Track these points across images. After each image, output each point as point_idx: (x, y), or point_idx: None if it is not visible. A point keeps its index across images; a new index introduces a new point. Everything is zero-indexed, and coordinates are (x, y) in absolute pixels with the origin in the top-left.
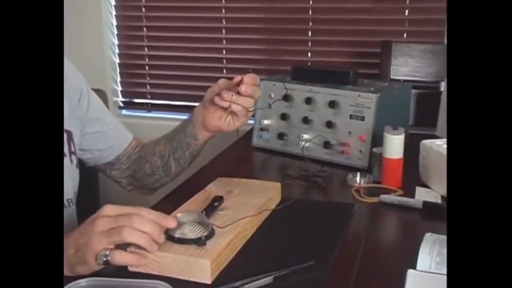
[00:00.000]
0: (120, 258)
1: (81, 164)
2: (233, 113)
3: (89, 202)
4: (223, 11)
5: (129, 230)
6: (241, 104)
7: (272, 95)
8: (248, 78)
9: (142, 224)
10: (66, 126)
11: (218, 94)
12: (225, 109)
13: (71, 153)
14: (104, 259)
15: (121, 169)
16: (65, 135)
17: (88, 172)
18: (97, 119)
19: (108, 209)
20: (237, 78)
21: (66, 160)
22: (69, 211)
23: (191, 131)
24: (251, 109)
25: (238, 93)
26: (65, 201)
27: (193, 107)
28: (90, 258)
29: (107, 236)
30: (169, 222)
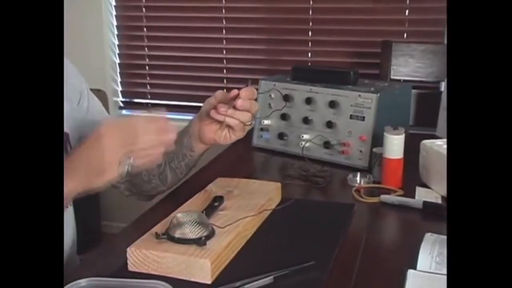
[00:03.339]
0: (140, 159)
1: None
2: (229, 126)
3: (89, 204)
4: (223, 11)
5: (144, 139)
6: (238, 118)
7: (272, 95)
8: (245, 92)
9: (149, 127)
10: (64, 127)
11: (215, 107)
12: (221, 122)
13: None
14: (129, 162)
15: None
16: None
17: None
18: (95, 122)
19: (109, 125)
20: (234, 92)
21: None
22: (67, 212)
23: (187, 142)
24: (248, 123)
25: (234, 107)
26: None
27: (193, 107)
28: (112, 167)
29: (124, 146)
30: (161, 114)
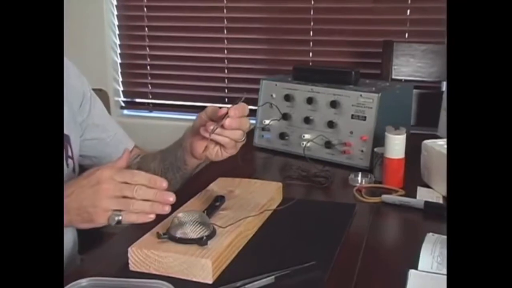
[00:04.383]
0: (130, 218)
1: (83, 170)
2: (220, 144)
3: None
4: (225, 11)
5: (138, 203)
6: (228, 137)
7: (274, 95)
8: (234, 110)
9: (147, 195)
10: (64, 130)
11: (205, 123)
12: (212, 139)
13: (67, 157)
14: (117, 218)
15: None
16: None
17: None
18: (97, 125)
19: (107, 174)
20: (223, 110)
21: None
22: None
23: (181, 155)
24: (240, 140)
25: (222, 126)
26: None
27: (195, 107)
28: (100, 218)
29: (116, 203)
30: (161, 183)
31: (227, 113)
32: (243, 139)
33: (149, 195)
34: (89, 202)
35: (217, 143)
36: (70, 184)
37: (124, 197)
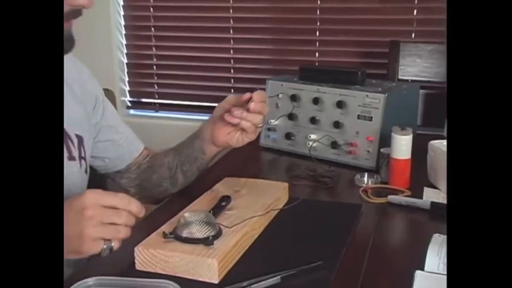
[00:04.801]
0: (118, 244)
1: (92, 170)
2: (242, 129)
3: None
4: (231, 11)
5: (124, 230)
6: (250, 121)
7: (280, 95)
8: (257, 95)
9: (130, 221)
10: (78, 131)
11: (228, 110)
12: (234, 125)
13: (80, 158)
14: (109, 247)
15: (130, 178)
16: (76, 140)
17: (97, 179)
18: (110, 127)
19: (92, 199)
20: (247, 95)
21: (76, 164)
22: None
23: (199, 145)
24: (260, 125)
25: (247, 110)
26: None
27: (200, 106)
28: (89, 248)
29: (103, 231)
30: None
31: (251, 97)
32: (262, 124)
33: (131, 221)
34: (75, 232)
35: (239, 128)
36: None
37: (111, 223)
